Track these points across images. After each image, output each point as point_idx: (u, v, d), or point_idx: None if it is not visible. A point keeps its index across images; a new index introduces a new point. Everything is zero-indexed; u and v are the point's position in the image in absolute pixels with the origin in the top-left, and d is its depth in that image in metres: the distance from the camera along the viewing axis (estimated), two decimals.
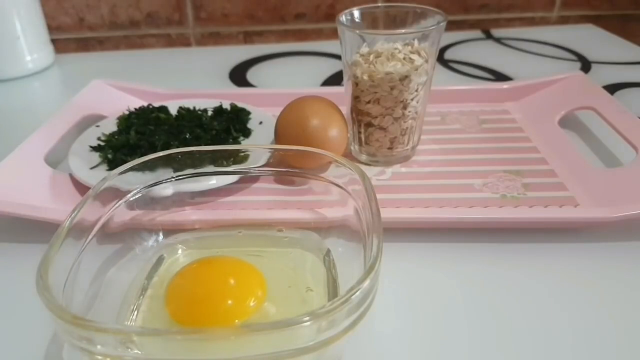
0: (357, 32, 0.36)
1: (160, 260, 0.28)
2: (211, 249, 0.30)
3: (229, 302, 0.24)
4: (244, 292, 0.25)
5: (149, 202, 0.29)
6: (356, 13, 0.38)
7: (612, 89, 0.52)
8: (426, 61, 0.36)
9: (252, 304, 0.24)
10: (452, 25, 0.71)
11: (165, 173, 0.29)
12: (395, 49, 0.35)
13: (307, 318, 0.18)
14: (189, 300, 0.25)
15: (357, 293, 0.19)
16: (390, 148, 0.38)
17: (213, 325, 0.23)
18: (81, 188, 0.36)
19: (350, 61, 0.37)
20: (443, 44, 0.64)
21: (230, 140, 0.40)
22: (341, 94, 0.40)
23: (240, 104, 0.44)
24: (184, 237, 0.30)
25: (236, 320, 0.24)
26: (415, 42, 0.36)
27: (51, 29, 0.67)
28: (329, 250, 0.28)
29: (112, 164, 0.37)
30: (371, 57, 0.36)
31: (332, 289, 0.26)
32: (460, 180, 0.37)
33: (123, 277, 0.26)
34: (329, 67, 0.61)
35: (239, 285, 0.25)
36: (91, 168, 0.37)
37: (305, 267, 0.27)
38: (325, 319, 0.18)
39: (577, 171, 0.36)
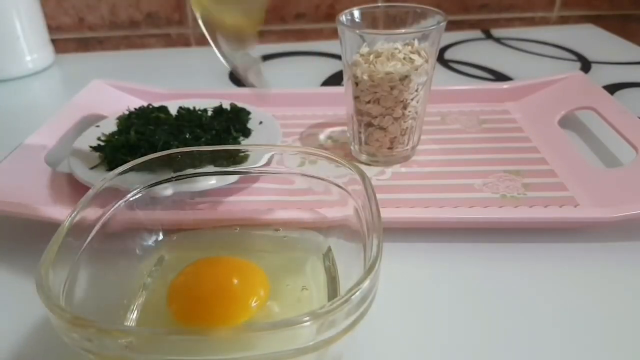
0: (357, 32, 0.36)
1: (160, 261, 0.28)
2: (210, 248, 0.30)
3: (233, 301, 0.24)
4: (248, 291, 0.25)
5: (149, 202, 0.29)
6: (356, 13, 0.38)
7: (612, 89, 0.52)
8: (426, 61, 0.36)
9: (255, 303, 0.24)
10: (452, 25, 0.71)
11: (165, 173, 0.29)
12: (395, 49, 0.35)
13: (307, 318, 0.18)
14: (192, 300, 0.25)
15: (357, 293, 0.19)
16: (390, 148, 0.38)
17: (216, 324, 0.23)
18: (81, 188, 0.36)
19: (350, 61, 0.37)
20: (443, 44, 0.64)
21: (230, 140, 0.40)
22: (341, 94, 0.40)
23: (240, 104, 0.44)
24: (184, 237, 0.30)
25: (239, 320, 0.24)
26: (415, 42, 0.36)
27: (51, 29, 0.67)
28: (329, 249, 0.28)
29: (112, 164, 0.37)
30: (371, 57, 0.36)
31: (332, 288, 0.26)
32: (460, 180, 0.37)
33: (123, 277, 0.26)
34: (329, 67, 0.61)
35: (242, 284, 0.25)
36: (91, 168, 0.37)
37: (304, 266, 0.27)
38: (325, 319, 0.18)
39: (577, 171, 0.36)
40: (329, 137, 0.44)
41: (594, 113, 0.42)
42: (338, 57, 0.55)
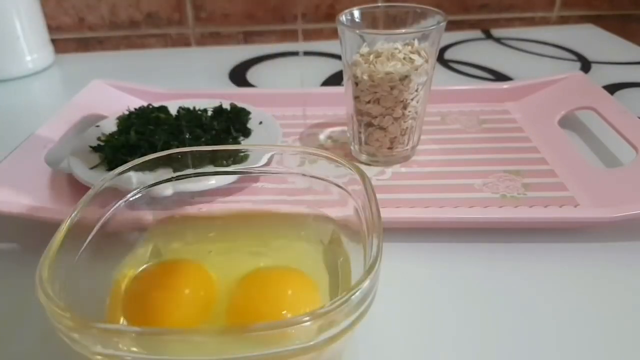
0: (357, 32, 0.36)
1: (159, 260, 0.28)
2: (210, 245, 0.29)
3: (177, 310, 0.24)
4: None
5: (149, 202, 0.29)
6: (356, 13, 0.38)
7: (612, 89, 0.52)
8: (426, 61, 0.36)
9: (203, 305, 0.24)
10: (452, 25, 0.71)
11: (165, 173, 0.29)
12: (395, 49, 0.35)
13: (307, 318, 0.18)
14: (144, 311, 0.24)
15: (357, 293, 0.19)
16: (390, 148, 0.38)
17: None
18: (81, 188, 0.36)
19: (350, 61, 0.37)
20: (443, 44, 0.64)
21: (230, 140, 0.40)
22: (341, 94, 0.40)
23: (240, 104, 0.44)
24: (183, 237, 0.29)
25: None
26: (415, 42, 0.36)
27: (51, 29, 0.67)
28: (330, 244, 0.28)
29: (112, 164, 0.37)
30: (371, 57, 0.36)
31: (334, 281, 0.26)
32: (460, 180, 0.37)
33: (123, 277, 0.26)
34: (329, 67, 0.61)
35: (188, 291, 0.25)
36: (91, 168, 0.37)
37: (305, 261, 0.27)
38: (325, 319, 0.18)
39: (577, 171, 0.36)
40: (329, 137, 0.44)
41: (594, 113, 0.42)
42: (338, 57, 0.55)
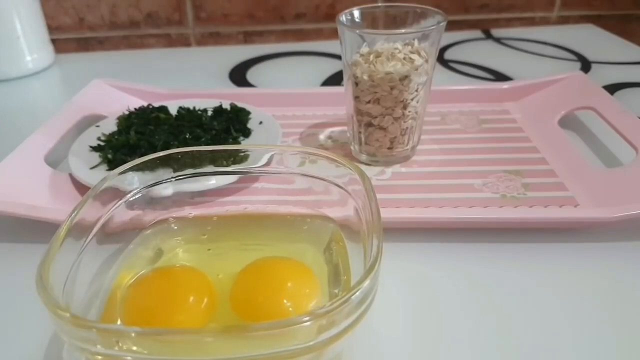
0: (357, 32, 0.36)
1: (159, 260, 0.28)
2: (209, 244, 0.29)
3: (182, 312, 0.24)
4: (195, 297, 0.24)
5: (149, 202, 0.29)
6: (356, 13, 0.38)
7: (612, 89, 0.52)
8: (426, 61, 0.36)
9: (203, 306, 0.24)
10: (452, 25, 0.71)
11: (165, 173, 0.29)
12: (395, 49, 0.35)
13: (307, 318, 0.18)
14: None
15: (357, 293, 0.19)
16: (390, 148, 0.38)
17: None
18: (81, 188, 0.36)
19: (350, 61, 0.37)
20: (443, 44, 0.64)
21: (230, 140, 0.40)
22: (341, 94, 0.40)
23: (240, 104, 0.44)
24: (184, 236, 0.30)
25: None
26: (415, 42, 0.36)
27: (51, 29, 0.67)
28: (330, 243, 0.28)
29: (112, 164, 0.37)
30: (371, 57, 0.36)
31: (334, 280, 0.26)
32: (460, 180, 0.37)
33: (123, 277, 0.26)
34: (329, 67, 0.61)
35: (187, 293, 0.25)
36: (91, 168, 0.37)
37: (305, 260, 0.27)
38: (325, 319, 0.19)
39: (577, 171, 0.36)
40: (329, 137, 0.44)
41: (594, 113, 0.42)
42: (338, 57, 0.55)
